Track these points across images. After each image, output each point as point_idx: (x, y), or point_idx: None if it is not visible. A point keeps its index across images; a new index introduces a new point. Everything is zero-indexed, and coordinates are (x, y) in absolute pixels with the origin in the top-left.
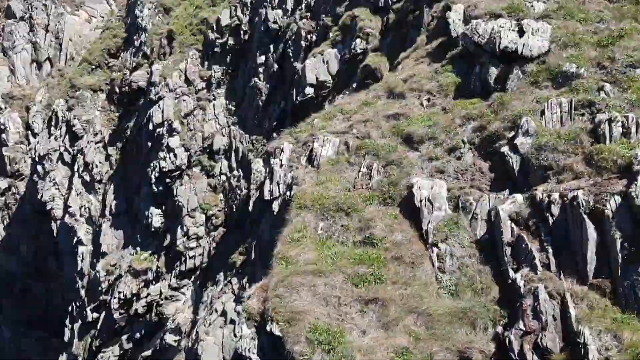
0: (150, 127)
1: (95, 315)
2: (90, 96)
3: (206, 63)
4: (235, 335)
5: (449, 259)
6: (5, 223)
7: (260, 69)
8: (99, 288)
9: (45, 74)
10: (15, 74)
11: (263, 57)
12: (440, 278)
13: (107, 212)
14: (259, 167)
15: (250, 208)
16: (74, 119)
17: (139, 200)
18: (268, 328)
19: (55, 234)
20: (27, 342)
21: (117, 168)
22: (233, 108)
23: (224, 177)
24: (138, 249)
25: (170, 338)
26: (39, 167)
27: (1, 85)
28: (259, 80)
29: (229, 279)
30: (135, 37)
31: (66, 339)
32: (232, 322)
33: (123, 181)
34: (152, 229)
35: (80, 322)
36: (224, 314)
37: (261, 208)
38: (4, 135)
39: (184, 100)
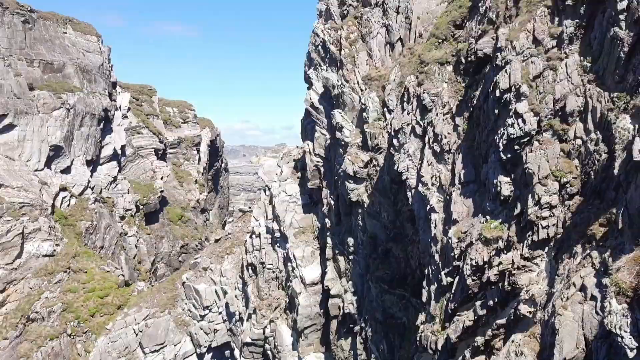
0: (497, 93)
1: (449, 279)
2: (437, 69)
3: (556, 19)
4: (598, 312)
5: None
6: (369, 192)
7: (622, 16)
8: (452, 254)
9: (397, 53)
10: (372, 57)
11: (625, 3)
12: None
13: (456, 181)
14: (625, 125)
15: (615, 171)
16: (424, 93)
17: (487, 169)
18: None
19: (410, 202)
20: (390, 298)
21: (465, 137)
22: (588, 65)
23: (579, 142)
24: (487, 217)
25: (524, 309)
26: (395, 141)
27: (361, 69)
28: (620, 29)
29: (588, 251)
30: (480, 4)
31: (424, 299)
32: (593, 298)
33: (471, 150)
34: (502, 197)
35: (435, 284)
36: (583, 288)
37: (628, 170)
38: (364, 114)
39: (532, 62)
